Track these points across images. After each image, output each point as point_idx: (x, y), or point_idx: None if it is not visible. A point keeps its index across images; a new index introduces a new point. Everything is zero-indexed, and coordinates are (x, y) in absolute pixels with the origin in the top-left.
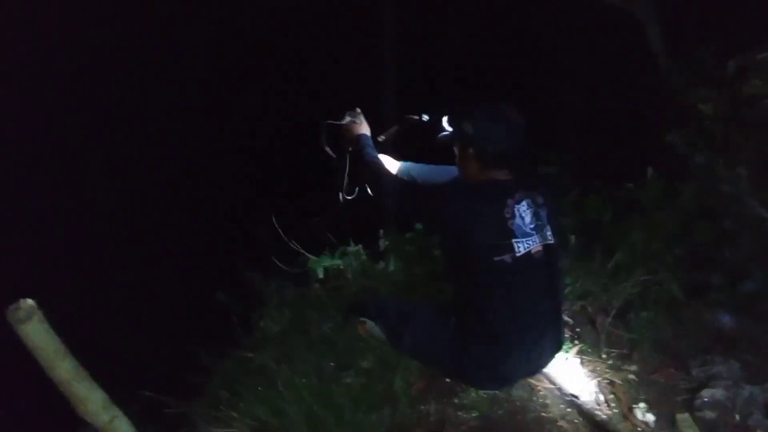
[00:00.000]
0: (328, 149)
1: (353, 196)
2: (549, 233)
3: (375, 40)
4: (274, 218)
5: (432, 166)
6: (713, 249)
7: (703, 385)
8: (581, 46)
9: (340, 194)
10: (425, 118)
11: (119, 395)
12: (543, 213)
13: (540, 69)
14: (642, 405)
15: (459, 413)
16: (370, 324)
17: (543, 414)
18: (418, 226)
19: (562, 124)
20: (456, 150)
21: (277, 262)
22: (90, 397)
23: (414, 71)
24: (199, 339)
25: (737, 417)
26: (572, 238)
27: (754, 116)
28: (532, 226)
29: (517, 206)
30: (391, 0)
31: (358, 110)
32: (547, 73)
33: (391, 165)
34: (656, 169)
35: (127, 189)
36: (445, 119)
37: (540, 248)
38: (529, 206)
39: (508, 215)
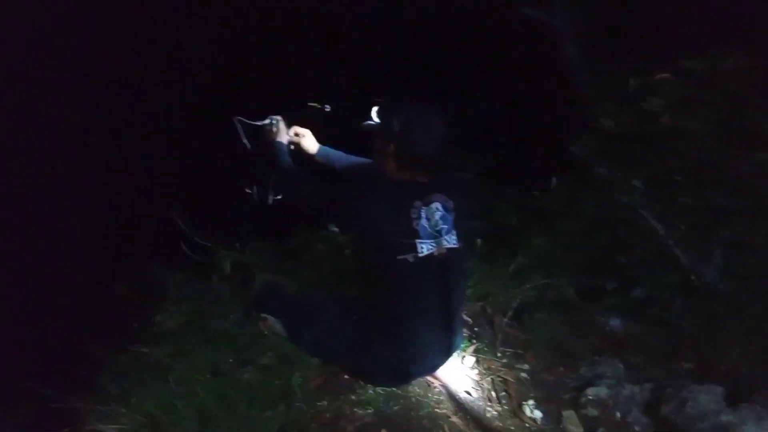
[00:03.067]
0: (245, 142)
1: (270, 200)
2: (454, 237)
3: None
4: (175, 213)
5: (349, 156)
6: (609, 256)
7: (589, 383)
8: (500, 57)
9: (262, 193)
10: (327, 107)
11: (2, 388)
12: (451, 217)
13: (458, 77)
14: (531, 402)
15: (355, 409)
16: (272, 320)
17: (437, 410)
18: (331, 225)
19: (478, 131)
20: (377, 142)
21: (186, 251)
22: None
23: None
24: (91, 331)
25: (618, 414)
26: (479, 241)
27: (652, 133)
28: (437, 228)
29: (425, 208)
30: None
31: (279, 117)
32: (466, 81)
33: (312, 144)
34: (561, 179)
35: (17, 171)
36: (374, 110)
37: (443, 251)
38: (437, 209)
39: (414, 216)
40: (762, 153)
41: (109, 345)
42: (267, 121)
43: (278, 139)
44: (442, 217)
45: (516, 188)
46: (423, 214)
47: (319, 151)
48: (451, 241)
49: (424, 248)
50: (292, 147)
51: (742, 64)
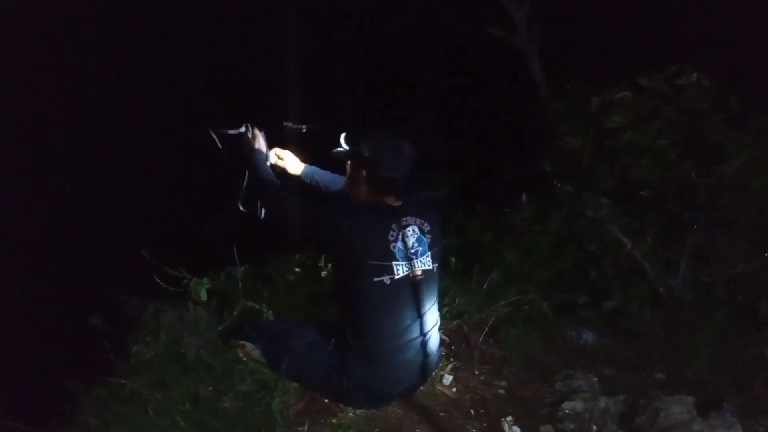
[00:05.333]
0: (223, 153)
1: (261, 214)
2: (429, 259)
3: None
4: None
5: (334, 174)
6: (579, 270)
7: (565, 397)
8: (470, 79)
9: (252, 208)
10: (303, 128)
11: None
12: (426, 239)
13: (426, 98)
14: (509, 418)
15: None
16: (249, 346)
17: (417, 430)
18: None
19: (450, 150)
20: (348, 168)
21: (158, 281)
22: None
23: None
24: (68, 365)
25: (594, 427)
26: (453, 260)
27: (615, 149)
28: (413, 251)
29: (402, 231)
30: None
31: (251, 126)
32: (433, 101)
33: (296, 165)
34: (531, 195)
35: None
36: (342, 136)
37: (419, 272)
38: (413, 232)
39: (391, 238)
40: (720, 167)
41: (86, 378)
42: (242, 129)
43: (257, 147)
44: (417, 240)
45: (487, 205)
46: (400, 237)
47: (304, 171)
48: (426, 263)
49: (400, 270)
50: (277, 171)
51: (699, 81)
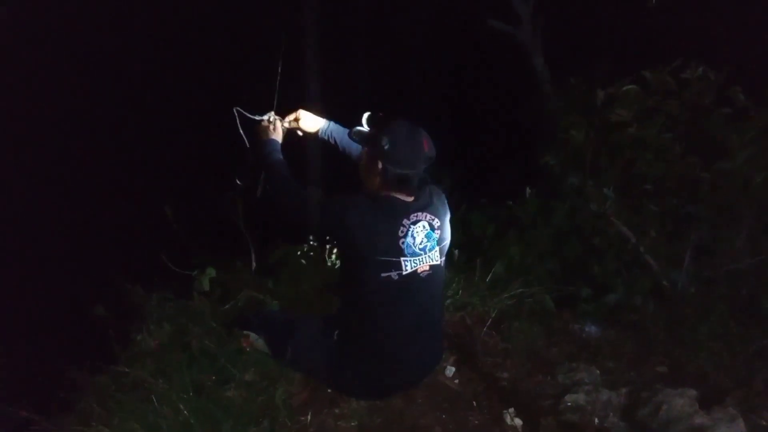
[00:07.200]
0: (242, 134)
1: (260, 192)
2: (437, 254)
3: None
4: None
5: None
6: (582, 264)
7: (567, 390)
8: (474, 72)
9: (251, 185)
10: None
11: None
12: (435, 235)
13: (433, 91)
14: (511, 410)
15: (338, 423)
16: (253, 337)
17: (420, 421)
18: (311, 239)
19: (454, 143)
20: (364, 155)
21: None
22: None
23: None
24: (72, 353)
25: (596, 420)
26: (456, 252)
27: (619, 143)
28: (421, 246)
29: (412, 226)
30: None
31: (275, 116)
32: (440, 94)
33: (313, 123)
34: (534, 189)
35: None
36: (365, 116)
37: (426, 268)
38: (423, 228)
39: (401, 234)
40: (724, 162)
41: (89, 366)
42: (266, 117)
43: (273, 137)
44: (427, 235)
45: (491, 199)
46: (409, 232)
47: (323, 127)
48: (433, 257)
49: (409, 266)
50: (299, 133)
51: (705, 75)
